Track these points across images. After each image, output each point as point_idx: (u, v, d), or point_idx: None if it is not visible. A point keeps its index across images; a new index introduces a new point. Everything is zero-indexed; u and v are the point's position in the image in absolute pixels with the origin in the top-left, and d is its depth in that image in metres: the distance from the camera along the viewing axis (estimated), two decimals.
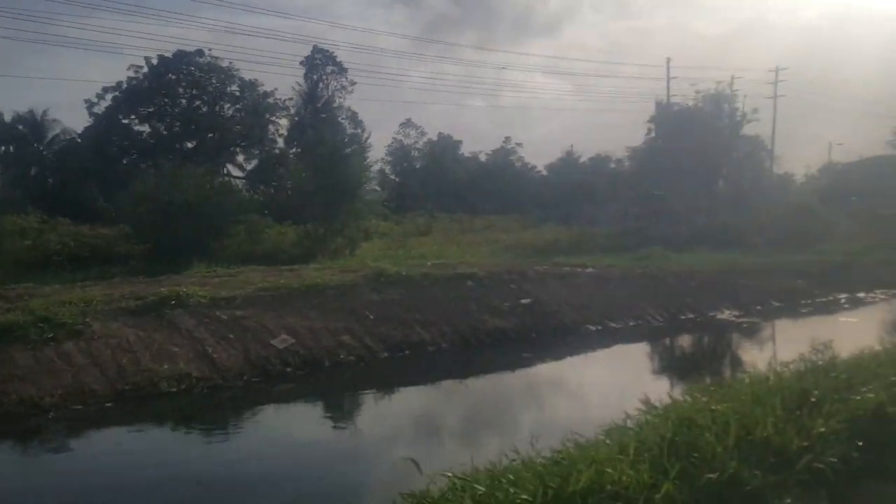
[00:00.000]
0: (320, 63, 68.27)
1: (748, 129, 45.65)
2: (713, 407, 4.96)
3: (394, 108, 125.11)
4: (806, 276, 21.06)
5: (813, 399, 5.24)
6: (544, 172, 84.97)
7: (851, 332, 14.59)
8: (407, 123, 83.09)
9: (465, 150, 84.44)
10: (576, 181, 69.30)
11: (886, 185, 43.41)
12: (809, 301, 19.62)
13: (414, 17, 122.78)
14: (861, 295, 20.77)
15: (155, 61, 53.01)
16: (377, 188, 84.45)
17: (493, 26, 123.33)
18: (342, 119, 67.94)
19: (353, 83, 69.32)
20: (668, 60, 50.07)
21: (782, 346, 14.10)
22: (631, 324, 16.61)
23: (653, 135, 44.16)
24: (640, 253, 24.27)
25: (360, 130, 70.44)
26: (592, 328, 16.03)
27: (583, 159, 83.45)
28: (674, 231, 37.15)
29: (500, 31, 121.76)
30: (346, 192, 31.30)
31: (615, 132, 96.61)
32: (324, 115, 67.56)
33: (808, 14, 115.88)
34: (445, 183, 77.96)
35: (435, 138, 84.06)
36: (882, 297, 20.77)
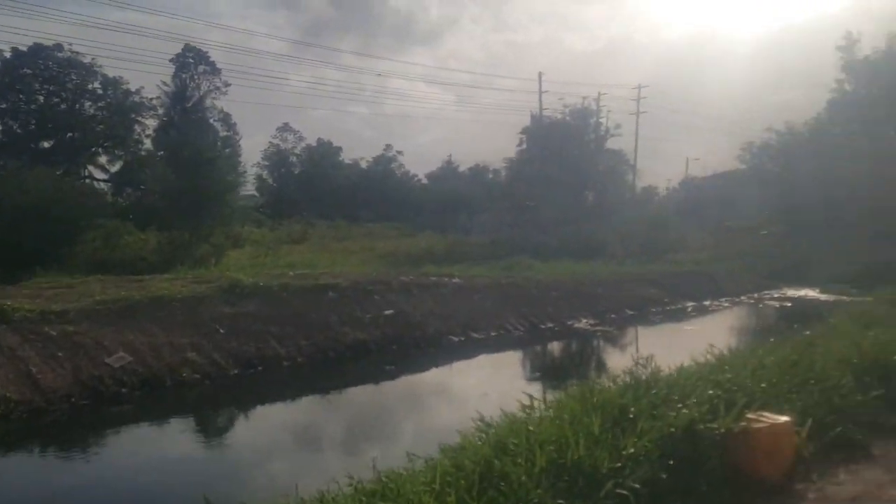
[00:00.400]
0: (192, 62, 65.29)
1: (612, 144, 47.96)
2: (530, 427, 4.91)
3: (273, 111, 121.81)
4: (658, 286, 22.19)
5: (630, 416, 5.32)
6: (425, 181, 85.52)
7: (690, 340, 15.44)
8: (284, 128, 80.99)
9: (346, 156, 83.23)
10: (455, 190, 70.09)
11: (735, 199, 46.84)
12: (660, 309, 20.66)
13: (294, 19, 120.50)
14: (707, 303, 22.13)
15: (8, 55, 48.87)
16: (255, 193, 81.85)
17: (374, 32, 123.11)
18: (214, 121, 65.33)
19: (227, 84, 66.59)
20: (540, 75, 51.77)
21: (626, 355, 14.68)
22: (493, 334, 16.78)
23: (524, 146, 45.43)
24: (508, 262, 24.72)
25: (232, 133, 68.18)
26: (455, 339, 16.05)
27: (462, 169, 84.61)
28: (543, 241, 38.25)
29: (381, 37, 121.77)
30: (212, 196, 29.95)
31: (495, 143, 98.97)
32: (194, 116, 64.74)
33: (670, 35, 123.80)
34: (325, 190, 76.64)
35: (314, 144, 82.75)
36: (726, 304, 22.22)
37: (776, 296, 24.10)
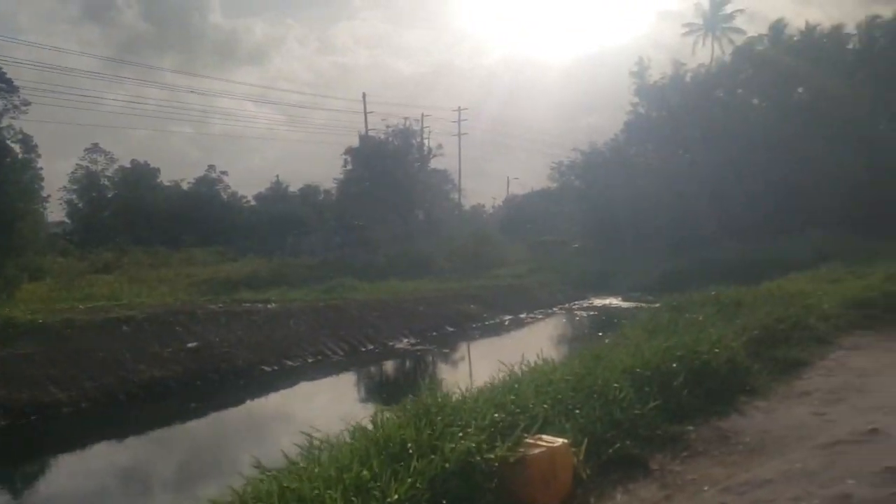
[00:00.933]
0: None
1: (437, 164, 49.01)
2: (284, 484, 4.42)
3: (90, 132, 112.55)
4: (478, 301, 22.59)
5: (410, 451, 5.02)
6: (253, 202, 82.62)
7: (501, 353, 15.68)
8: (93, 149, 74.62)
9: (167, 178, 78.25)
10: (284, 212, 68.21)
11: (552, 215, 49.53)
12: (479, 324, 21.01)
13: (108, 35, 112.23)
14: (523, 315, 22.85)
15: None
16: (66, 220, 74.27)
17: (196, 50, 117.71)
18: (11, 142, 58.68)
19: (26, 103, 60.21)
20: (364, 95, 51.94)
21: (440, 374, 14.74)
22: (310, 360, 16.10)
23: (350, 167, 45.15)
24: (331, 284, 24.06)
25: (33, 156, 61.61)
26: (268, 369, 15.18)
27: (293, 189, 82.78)
28: (372, 260, 38.04)
29: (204, 56, 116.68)
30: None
31: (326, 163, 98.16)
32: None
33: (489, 60, 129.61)
34: (142, 214, 71.64)
35: (128, 165, 76.95)
36: (539, 316, 23.07)
37: (585, 305, 25.46)
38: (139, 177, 76.99)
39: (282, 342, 16.38)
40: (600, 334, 13.22)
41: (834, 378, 8.21)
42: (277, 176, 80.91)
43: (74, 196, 74.88)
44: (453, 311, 21.19)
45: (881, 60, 37.53)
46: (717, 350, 8.51)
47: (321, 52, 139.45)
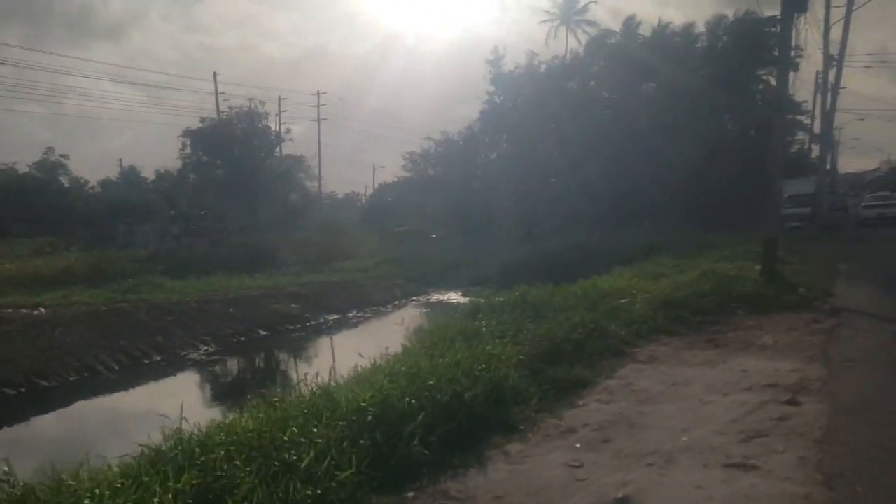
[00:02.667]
0: None
1: (296, 150, 46.29)
2: None
3: None
4: (302, 300, 20.59)
5: None
6: (98, 189, 76.01)
7: (312, 364, 14.01)
8: None
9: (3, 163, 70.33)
10: (129, 199, 62.74)
11: (411, 205, 48.10)
12: (298, 326, 19.05)
13: None
14: (351, 314, 21.12)
15: None
16: None
17: (44, 23, 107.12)
18: None
19: None
20: (215, 75, 48.45)
21: (229, 394, 12.74)
22: (72, 378, 13.57)
23: (188, 150, 41.53)
24: (135, 282, 21.27)
25: None
26: (11, 391, 12.55)
27: (147, 175, 77.01)
28: (210, 252, 35.05)
29: (54, 29, 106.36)
30: None
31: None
32: None
33: (364, 48, 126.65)
34: None
35: None
36: (369, 315, 21.40)
37: (422, 301, 24.11)
38: None
39: (39, 357, 13.73)
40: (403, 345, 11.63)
41: (611, 406, 6.99)
42: (121, 160, 74.74)
43: None
44: (270, 313, 19.08)
45: (723, 59, 38.71)
46: (485, 373, 7.13)
47: (187, 31, 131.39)
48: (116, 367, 14.52)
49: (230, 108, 41.84)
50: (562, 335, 9.14)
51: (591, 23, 48.80)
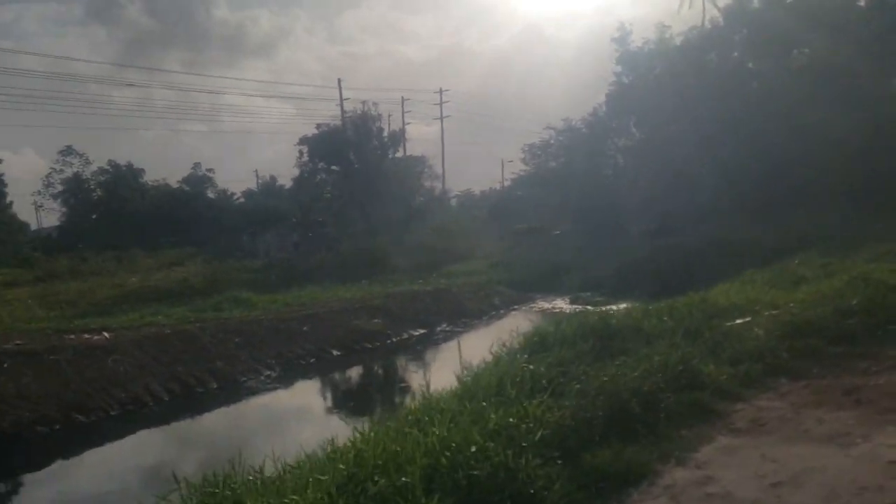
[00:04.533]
0: None
1: (422, 150, 45.18)
2: None
3: (100, 134, 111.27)
4: (385, 314, 18.76)
5: None
6: (241, 199, 79.80)
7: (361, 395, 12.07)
8: (67, 151, 71.80)
9: (157, 179, 75.96)
10: (265, 208, 64.91)
11: (530, 200, 45.30)
12: (378, 344, 17.23)
13: (113, 36, 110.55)
14: (441, 328, 19.04)
15: None
16: (36, 224, 71.96)
17: (202, 46, 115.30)
18: None
19: None
20: (340, 81, 48.43)
21: (270, 434, 11.09)
22: (114, 412, 12.51)
23: (305, 157, 41.36)
24: (217, 299, 20.48)
25: None
26: (44, 429, 11.64)
27: (287, 184, 79.86)
28: (322, 261, 34.51)
29: (211, 51, 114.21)
30: None
31: None
32: None
33: (500, 41, 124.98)
34: (123, 215, 69.27)
35: (107, 167, 74.14)
36: (459, 330, 19.17)
37: (524, 309, 21.60)
38: (119, 178, 74.55)
39: (84, 388, 12.84)
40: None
41: None
42: (256, 171, 77.85)
43: (59, 200, 72.83)
44: (348, 330, 17.43)
45: (892, 14, 32.71)
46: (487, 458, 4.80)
47: (330, 42, 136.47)
48: (166, 398, 13.39)
49: (344, 112, 41.25)
50: (630, 385, 6.49)
51: None
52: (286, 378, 14.75)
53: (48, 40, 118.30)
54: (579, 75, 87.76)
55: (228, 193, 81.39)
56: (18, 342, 13.86)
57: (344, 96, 47.74)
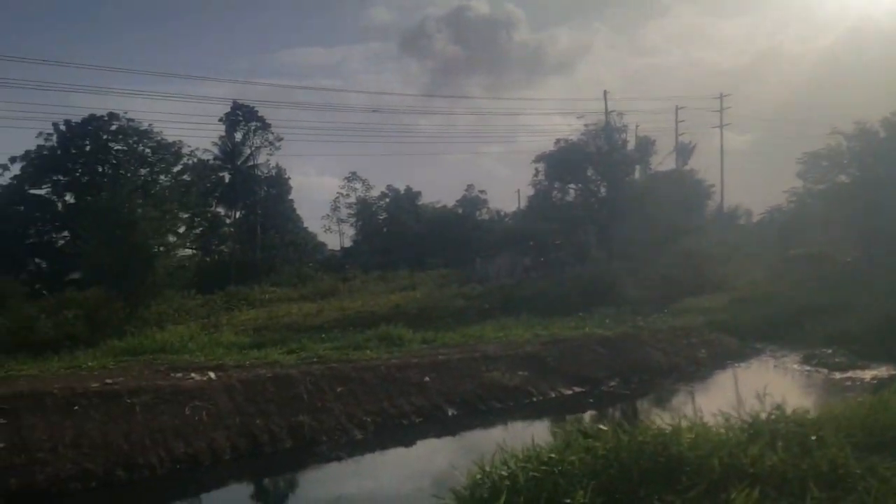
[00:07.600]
0: (241, 119, 64.61)
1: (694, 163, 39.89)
2: None
3: (404, 161, 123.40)
4: (536, 364, 15.01)
5: None
6: (509, 220, 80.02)
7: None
8: (352, 177, 78.35)
9: (434, 201, 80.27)
10: (517, 230, 63.62)
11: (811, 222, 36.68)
12: (511, 403, 13.59)
13: (423, 66, 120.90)
14: (605, 387, 14.69)
15: (63, 128, 49.80)
16: (329, 244, 79.31)
17: (504, 70, 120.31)
18: (261, 174, 63.92)
19: (279, 139, 65.26)
20: (606, 93, 45.30)
21: None
22: (161, 471, 11.01)
23: (542, 176, 38.33)
24: (371, 333, 18.46)
25: (280, 189, 66.19)
26: (77, 486, 10.48)
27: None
28: (546, 289, 31.42)
29: (512, 74, 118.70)
30: (134, 263, 26.85)
31: None
32: (248, 172, 64.17)
33: (823, 42, 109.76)
34: (400, 237, 73.66)
35: (386, 191, 79.48)
36: (630, 390, 14.58)
37: (738, 368, 16.01)
38: (401, 201, 79.43)
39: (143, 440, 11.57)
40: None
41: None
42: (518, 191, 77.08)
43: (352, 222, 79.82)
44: (478, 383, 14.14)
45: None
46: None
47: (632, 54, 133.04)
48: (227, 457, 11.57)
49: (585, 125, 37.58)
50: None
51: None
52: (374, 442, 12.09)
53: (368, 76, 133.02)
54: None
55: (501, 214, 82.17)
56: (109, 381, 13.17)
57: (644, 108, 44.31)
